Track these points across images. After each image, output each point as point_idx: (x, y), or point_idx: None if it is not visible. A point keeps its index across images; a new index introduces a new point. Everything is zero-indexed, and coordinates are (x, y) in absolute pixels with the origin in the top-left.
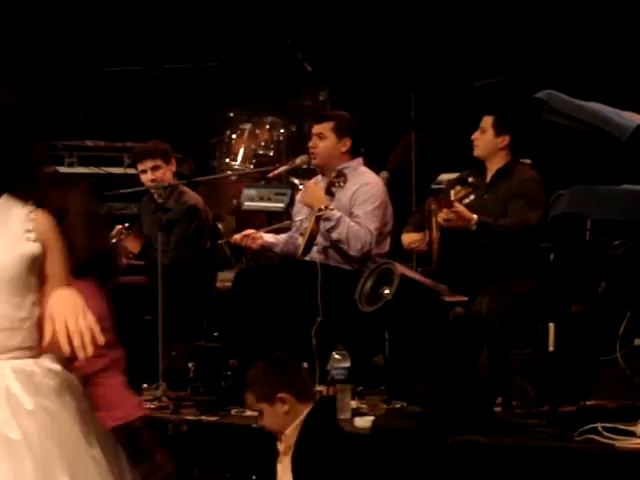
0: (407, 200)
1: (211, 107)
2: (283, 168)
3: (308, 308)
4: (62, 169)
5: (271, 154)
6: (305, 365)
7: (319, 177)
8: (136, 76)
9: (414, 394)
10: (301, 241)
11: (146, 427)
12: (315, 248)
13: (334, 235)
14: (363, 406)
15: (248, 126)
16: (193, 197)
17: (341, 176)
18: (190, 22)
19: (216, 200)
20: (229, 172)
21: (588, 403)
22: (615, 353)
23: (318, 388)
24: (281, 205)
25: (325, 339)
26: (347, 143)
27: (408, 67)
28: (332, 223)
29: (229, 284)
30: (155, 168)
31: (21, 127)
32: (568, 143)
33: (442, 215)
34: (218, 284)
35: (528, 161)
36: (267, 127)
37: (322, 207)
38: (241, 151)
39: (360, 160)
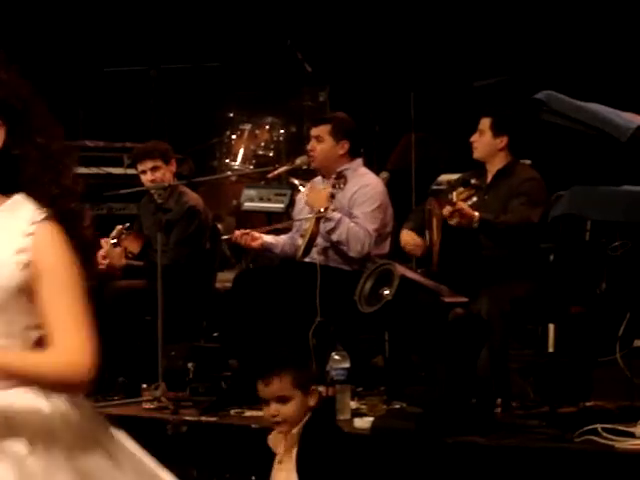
0: (407, 201)
1: (211, 107)
2: (283, 169)
3: (308, 309)
4: None
5: (271, 155)
6: None
7: (319, 178)
8: (136, 76)
9: (414, 395)
10: (301, 242)
11: None
12: (315, 249)
13: (334, 236)
14: (363, 407)
15: (248, 126)
16: (193, 198)
17: (341, 178)
18: (190, 22)
19: (216, 200)
20: (229, 172)
21: (588, 404)
22: (615, 354)
23: (317, 389)
24: (281, 206)
25: (325, 340)
26: (345, 145)
27: (408, 68)
28: (332, 224)
29: (229, 284)
30: (155, 169)
31: (37, 118)
32: (568, 144)
33: (446, 211)
34: (218, 284)
35: (528, 162)
36: (267, 127)
37: (322, 209)
38: (241, 151)
39: (360, 161)
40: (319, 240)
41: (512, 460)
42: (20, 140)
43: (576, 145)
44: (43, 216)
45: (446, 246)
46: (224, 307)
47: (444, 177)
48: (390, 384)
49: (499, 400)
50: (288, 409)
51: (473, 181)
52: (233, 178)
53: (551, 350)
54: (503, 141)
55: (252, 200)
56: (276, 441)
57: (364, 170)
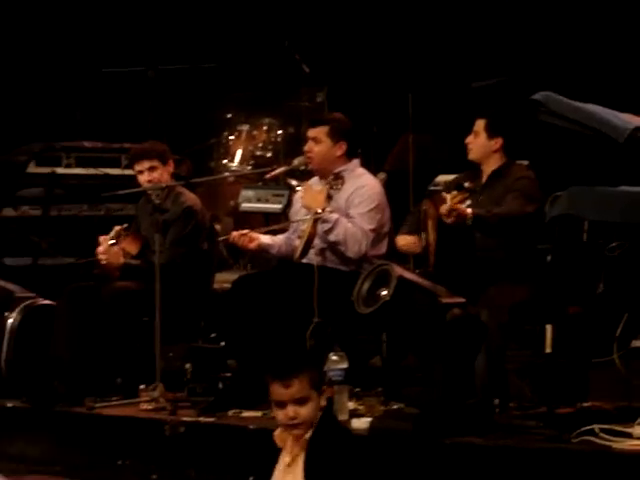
0: (404, 201)
1: (209, 108)
2: (281, 169)
3: (306, 310)
4: (60, 170)
5: (269, 155)
6: None
7: (316, 179)
8: (134, 77)
9: (411, 395)
10: (298, 243)
11: None
12: (312, 250)
13: (331, 237)
14: (360, 407)
15: (246, 127)
16: (190, 198)
17: (339, 179)
18: (187, 23)
19: (214, 201)
20: (227, 173)
21: (585, 405)
22: (612, 355)
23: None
24: (279, 206)
25: (322, 340)
26: (343, 146)
27: (406, 69)
28: (329, 225)
29: (227, 285)
30: (152, 169)
31: None
32: (566, 145)
33: (443, 209)
34: (216, 285)
35: (526, 162)
36: (265, 128)
37: (319, 210)
38: (239, 152)
39: (357, 162)
40: (316, 241)
41: (510, 461)
42: None
43: (574, 146)
44: None
45: (442, 247)
46: (223, 309)
47: (441, 178)
48: (388, 385)
49: (497, 401)
50: (307, 410)
51: (467, 184)
52: (231, 179)
53: (549, 351)
54: (498, 142)
55: (250, 201)
56: (284, 438)
57: (361, 171)
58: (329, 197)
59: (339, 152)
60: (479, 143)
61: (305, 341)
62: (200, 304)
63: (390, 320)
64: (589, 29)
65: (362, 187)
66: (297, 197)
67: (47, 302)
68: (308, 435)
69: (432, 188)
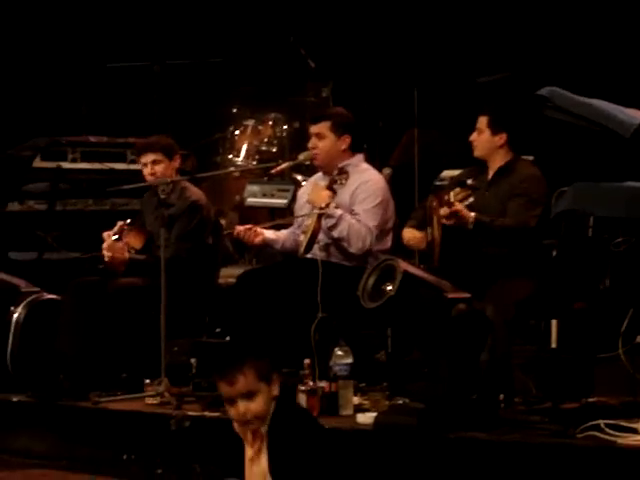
0: (410, 196)
1: (214, 103)
2: (286, 164)
3: (311, 305)
4: (65, 165)
5: (274, 150)
6: (307, 361)
7: (320, 174)
8: (139, 72)
9: (416, 390)
10: (303, 238)
11: None
12: (317, 245)
13: (335, 233)
14: (365, 402)
15: (251, 122)
16: (195, 193)
17: (343, 173)
18: (193, 18)
19: (219, 196)
20: (232, 168)
21: (590, 400)
22: (617, 350)
23: (320, 384)
24: (284, 201)
25: (327, 335)
26: (347, 140)
27: (411, 63)
28: (333, 221)
29: (232, 280)
30: (155, 162)
31: None
32: (571, 140)
33: (443, 212)
34: (221, 280)
35: (531, 158)
36: (270, 123)
37: (323, 205)
38: (244, 147)
39: (361, 156)
40: (321, 236)
41: (514, 456)
42: None
43: (579, 141)
44: None
45: (447, 242)
46: (227, 304)
47: (447, 173)
48: (393, 380)
49: (502, 396)
50: (257, 405)
51: (469, 182)
52: (236, 174)
53: (554, 346)
54: (502, 138)
55: (255, 196)
56: (243, 431)
57: (365, 166)
58: (333, 191)
59: (343, 146)
60: (483, 140)
61: (308, 336)
62: (205, 299)
63: (395, 315)
64: (594, 24)
65: (366, 182)
66: (301, 192)
67: (52, 297)
68: (264, 429)
69: (437, 183)
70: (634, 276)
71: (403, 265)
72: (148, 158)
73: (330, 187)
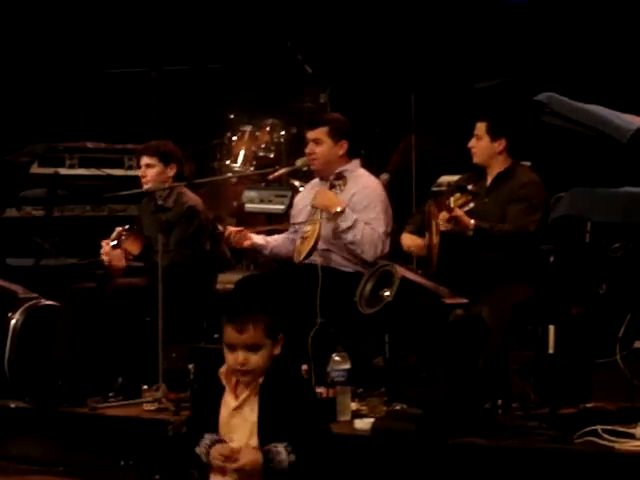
0: (407, 202)
1: (212, 109)
2: (283, 170)
3: (309, 311)
4: (63, 171)
5: (271, 156)
6: (305, 367)
7: (316, 180)
8: (136, 78)
9: (414, 396)
10: (301, 245)
11: None
12: (315, 252)
13: (349, 236)
14: (363, 408)
15: (249, 128)
16: (193, 198)
17: (341, 179)
18: (191, 24)
19: (216, 202)
20: (229, 174)
21: (588, 405)
22: (615, 355)
23: (318, 390)
24: (281, 207)
25: (325, 341)
26: (344, 146)
27: (408, 69)
28: (349, 223)
29: (230, 286)
30: (149, 166)
31: None
32: (568, 146)
33: (442, 217)
34: (218, 286)
35: (528, 164)
36: (267, 129)
37: (339, 209)
38: (241, 153)
39: (357, 162)
40: (320, 243)
41: (512, 461)
42: None
43: (576, 147)
44: None
45: (445, 248)
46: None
47: (445, 178)
48: (390, 385)
49: (499, 401)
50: (258, 358)
51: (470, 187)
52: (234, 179)
53: (551, 351)
54: (502, 144)
55: (252, 201)
56: (230, 379)
57: (362, 171)
58: None
59: (341, 151)
60: (483, 146)
61: (305, 341)
62: (203, 304)
63: (393, 321)
64: (591, 30)
65: (365, 188)
66: (298, 198)
67: (50, 303)
68: (261, 380)
69: (435, 189)
70: (631, 281)
71: (400, 271)
72: (143, 161)
73: None
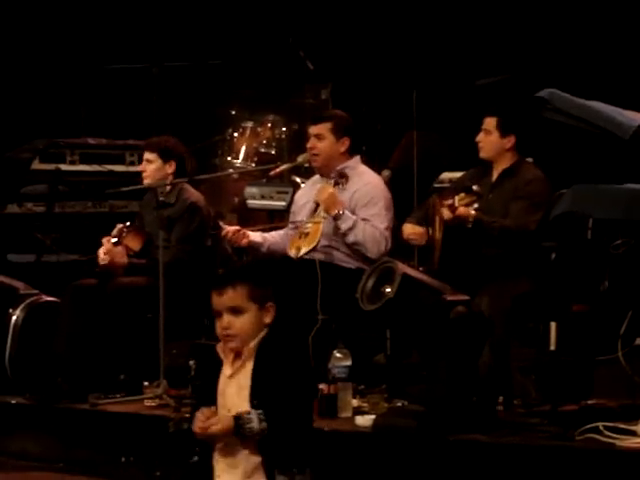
0: (409, 198)
1: (213, 105)
2: (285, 166)
3: (310, 307)
4: (64, 167)
5: (273, 152)
6: None
7: (317, 177)
8: (138, 74)
9: (415, 393)
10: (299, 238)
11: None
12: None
13: (351, 237)
14: (364, 405)
15: (250, 124)
16: (194, 194)
17: (343, 176)
18: (192, 20)
19: (218, 198)
20: (231, 170)
21: (589, 402)
22: (616, 352)
23: (319, 387)
24: (283, 203)
25: (326, 338)
26: (346, 142)
27: (410, 65)
28: (349, 224)
29: None
30: (149, 161)
31: None
32: (570, 142)
33: (445, 214)
34: None
35: (530, 160)
36: (269, 125)
37: (340, 211)
38: (243, 149)
39: (358, 158)
40: (322, 238)
41: (514, 458)
42: None
43: (578, 143)
44: None
45: (447, 244)
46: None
47: (446, 175)
48: (392, 382)
49: (501, 398)
50: (241, 322)
51: (475, 187)
52: (235, 176)
53: (553, 348)
54: (511, 141)
55: (254, 198)
56: (225, 350)
57: (363, 168)
58: None
59: (342, 148)
60: (491, 141)
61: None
62: (203, 301)
63: (394, 317)
64: (593, 26)
65: (367, 185)
66: (299, 195)
67: (51, 299)
68: (252, 344)
69: (437, 185)
70: (633, 278)
71: (402, 267)
72: (144, 156)
73: None
